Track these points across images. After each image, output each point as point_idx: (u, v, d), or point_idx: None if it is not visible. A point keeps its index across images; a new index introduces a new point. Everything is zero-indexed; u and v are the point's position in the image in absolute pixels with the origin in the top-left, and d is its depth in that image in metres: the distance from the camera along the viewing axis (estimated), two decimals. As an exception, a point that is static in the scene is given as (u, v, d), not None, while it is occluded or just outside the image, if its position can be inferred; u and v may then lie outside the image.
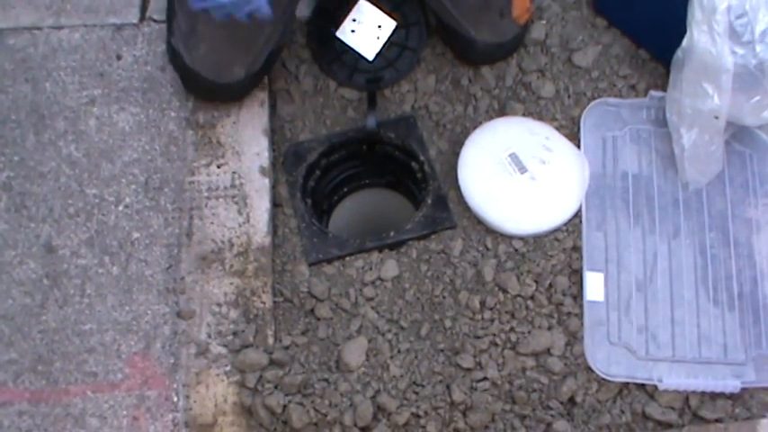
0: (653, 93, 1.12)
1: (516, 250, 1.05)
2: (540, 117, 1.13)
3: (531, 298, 1.02)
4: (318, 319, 1.02)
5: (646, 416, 0.98)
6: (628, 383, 0.99)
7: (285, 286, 1.04)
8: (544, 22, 1.18)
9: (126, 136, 1.10)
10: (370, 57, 1.14)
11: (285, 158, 1.12)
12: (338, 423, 0.96)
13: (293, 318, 1.03)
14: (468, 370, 0.99)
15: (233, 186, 1.07)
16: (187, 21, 1.06)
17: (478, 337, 1.00)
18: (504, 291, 1.02)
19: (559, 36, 1.18)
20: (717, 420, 0.98)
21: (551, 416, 0.98)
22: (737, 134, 1.09)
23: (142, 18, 1.17)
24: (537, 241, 1.06)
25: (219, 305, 1.01)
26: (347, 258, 1.06)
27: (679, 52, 1.03)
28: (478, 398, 0.98)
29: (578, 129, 1.12)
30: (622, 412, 0.98)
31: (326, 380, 0.98)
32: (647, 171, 1.09)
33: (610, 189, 1.08)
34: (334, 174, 1.20)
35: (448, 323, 1.01)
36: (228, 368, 0.98)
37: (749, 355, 1.00)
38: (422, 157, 1.12)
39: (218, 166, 1.08)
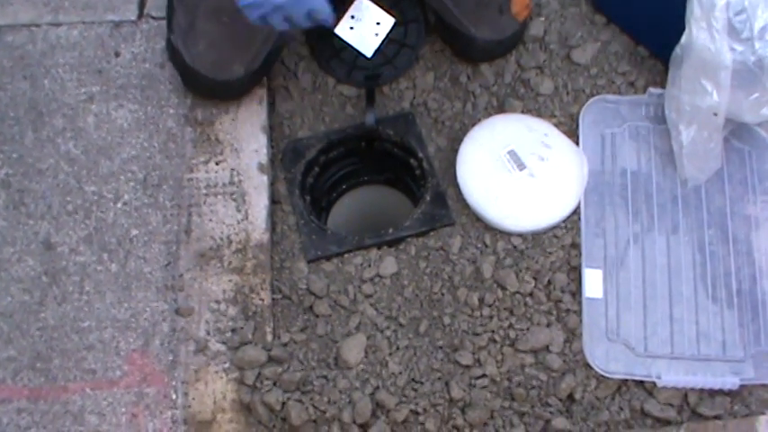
0: (652, 90, 1.12)
1: (515, 247, 1.05)
2: (538, 114, 1.13)
3: (530, 295, 1.02)
4: (317, 316, 1.02)
5: (644, 413, 0.98)
6: (626, 380, 0.99)
7: (284, 283, 1.04)
8: (543, 18, 1.18)
9: (124, 133, 1.09)
10: (369, 54, 1.14)
11: (284, 155, 1.12)
12: (337, 420, 0.96)
13: (292, 315, 1.03)
14: (467, 367, 0.99)
15: (231, 183, 1.07)
16: (187, 18, 1.06)
17: (477, 334, 1.00)
18: (503, 288, 1.02)
19: (558, 33, 1.18)
20: (715, 417, 0.98)
21: (550, 413, 0.98)
22: (736, 131, 1.09)
23: (140, 15, 1.16)
24: (536, 238, 1.06)
25: (218, 302, 1.01)
26: (346, 255, 1.06)
27: (678, 49, 1.03)
28: (477, 395, 0.98)
29: (577, 126, 1.12)
30: (621, 409, 0.98)
31: (325, 377, 0.98)
32: (645, 168, 1.09)
33: (608, 186, 1.08)
34: (333, 171, 1.20)
35: (447, 320, 1.01)
36: (227, 365, 0.98)
37: (748, 352, 1.00)
38: (420, 154, 1.12)
39: (217, 163, 1.08)
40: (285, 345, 1.00)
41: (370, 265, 1.05)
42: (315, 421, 0.96)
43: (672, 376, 0.98)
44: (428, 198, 1.09)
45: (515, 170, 1.07)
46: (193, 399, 0.97)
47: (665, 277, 1.03)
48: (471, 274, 1.04)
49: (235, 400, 0.97)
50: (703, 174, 1.07)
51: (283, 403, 0.96)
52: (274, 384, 0.97)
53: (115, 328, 1.00)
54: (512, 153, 1.08)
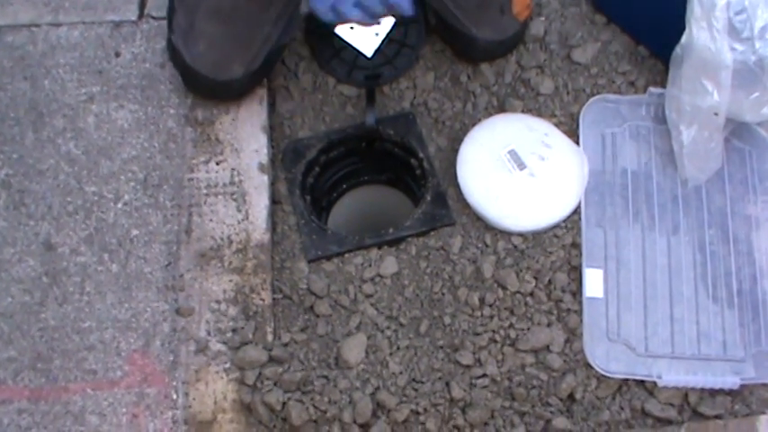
0: (652, 89, 1.12)
1: (515, 247, 1.05)
2: (539, 114, 1.13)
3: (531, 295, 1.02)
4: (318, 316, 1.02)
5: (645, 412, 0.98)
6: (627, 380, 0.99)
7: (284, 283, 1.04)
8: (543, 18, 1.18)
9: (125, 133, 1.09)
10: (369, 53, 1.14)
11: (284, 155, 1.12)
12: (337, 420, 0.96)
13: (292, 315, 1.03)
14: (468, 367, 0.99)
15: (232, 183, 1.07)
16: (187, 18, 1.06)
17: (478, 334, 1.00)
18: (504, 287, 1.02)
19: (558, 32, 1.18)
20: (716, 417, 0.98)
21: (551, 412, 0.98)
22: (737, 131, 1.09)
23: (141, 15, 1.16)
24: (536, 238, 1.06)
25: (218, 302, 1.01)
26: (346, 255, 1.06)
27: (678, 49, 1.03)
28: (478, 395, 0.98)
29: (577, 125, 1.12)
30: (621, 409, 0.98)
31: (326, 377, 0.98)
32: (646, 168, 1.09)
33: (609, 186, 1.08)
34: (333, 170, 1.20)
35: (447, 320, 1.01)
36: (228, 365, 0.98)
37: (748, 352, 1.00)
38: (421, 154, 1.12)
39: (217, 163, 1.08)
40: (286, 345, 1.00)
41: (370, 265, 1.05)
42: (315, 421, 0.96)
43: (672, 376, 0.98)
44: (428, 198, 1.09)
45: (516, 170, 1.07)
46: (194, 399, 0.97)
47: (665, 277, 1.03)
48: (472, 273, 1.04)
49: (235, 401, 0.97)
50: (704, 174, 1.07)
51: (284, 403, 0.96)
52: (275, 384, 0.97)
53: (116, 329, 1.00)
54: (512, 153, 1.08)
